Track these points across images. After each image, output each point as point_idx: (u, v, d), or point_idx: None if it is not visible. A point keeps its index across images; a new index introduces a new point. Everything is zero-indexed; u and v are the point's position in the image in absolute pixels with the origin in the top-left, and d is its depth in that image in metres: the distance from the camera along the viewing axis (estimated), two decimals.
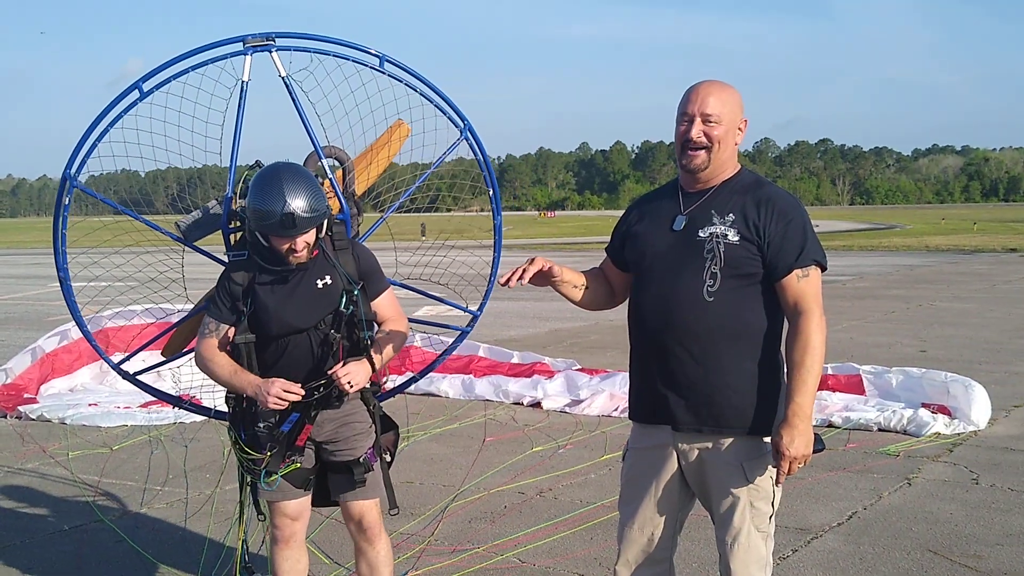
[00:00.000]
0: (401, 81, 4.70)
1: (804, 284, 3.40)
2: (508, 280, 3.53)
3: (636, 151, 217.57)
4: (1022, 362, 12.07)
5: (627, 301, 3.73)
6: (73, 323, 10.34)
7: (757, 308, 3.45)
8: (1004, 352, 12.90)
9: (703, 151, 3.46)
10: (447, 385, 10.21)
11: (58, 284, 4.66)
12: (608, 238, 3.87)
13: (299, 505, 4.10)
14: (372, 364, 3.91)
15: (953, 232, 52.78)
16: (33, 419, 9.38)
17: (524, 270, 3.53)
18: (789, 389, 3.39)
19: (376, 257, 4.14)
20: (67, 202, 4.51)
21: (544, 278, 3.62)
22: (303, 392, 3.82)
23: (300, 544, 4.16)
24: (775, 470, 3.46)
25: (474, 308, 5.22)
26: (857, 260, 32.63)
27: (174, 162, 4.57)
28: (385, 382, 4.16)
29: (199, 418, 8.88)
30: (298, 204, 3.72)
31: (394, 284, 4.36)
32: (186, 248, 4.58)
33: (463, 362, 10.34)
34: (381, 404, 4.24)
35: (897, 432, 8.34)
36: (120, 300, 5.16)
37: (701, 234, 3.45)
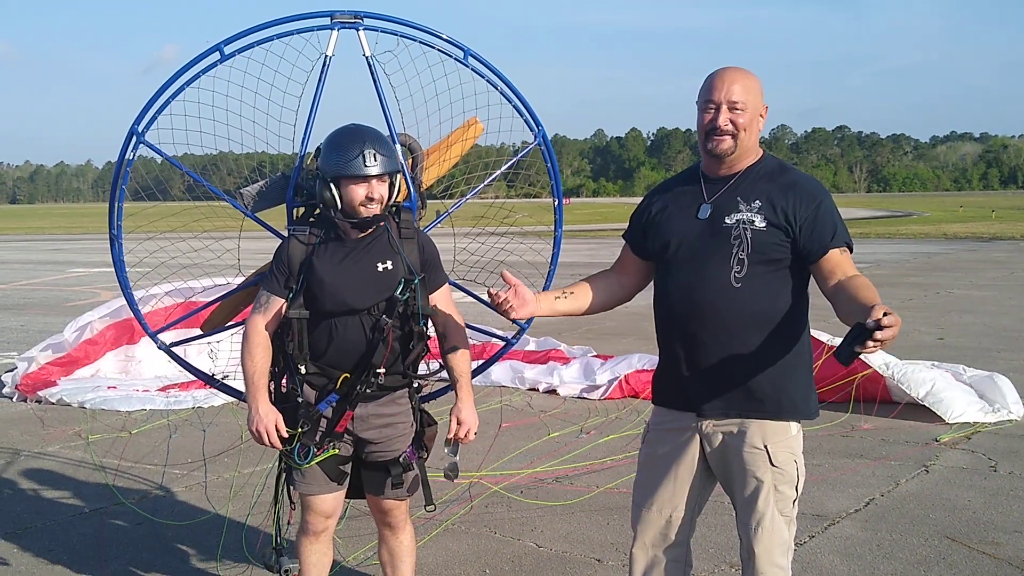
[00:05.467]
0: (483, 77, 4.67)
1: (845, 256, 3.38)
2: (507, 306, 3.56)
3: (652, 138, 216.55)
4: None
5: (652, 290, 3.72)
6: (96, 314, 10.50)
7: (784, 294, 3.44)
8: (1023, 340, 12.83)
9: (730, 137, 3.45)
10: None
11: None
12: (625, 225, 3.86)
13: (334, 501, 4.06)
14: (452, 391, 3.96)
15: (971, 220, 52.40)
16: (53, 403, 9.45)
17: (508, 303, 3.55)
18: (867, 302, 3.02)
19: (438, 250, 4.10)
20: (132, 158, 4.46)
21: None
22: (280, 445, 3.82)
23: (329, 539, 4.14)
24: (799, 456, 3.47)
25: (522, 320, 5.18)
26: (874, 248, 32.46)
27: (247, 128, 4.48)
28: (425, 385, 4.13)
29: (217, 402, 9.03)
30: (375, 147, 3.79)
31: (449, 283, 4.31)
32: (242, 224, 4.55)
33: (478, 349, 10.35)
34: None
35: (919, 401, 8.34)
36: (173, 267, 5.07)
37: (727, 221, 3.44)
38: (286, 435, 3.84)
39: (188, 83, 4.38)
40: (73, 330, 10.53)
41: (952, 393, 8.38)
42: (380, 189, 3.82)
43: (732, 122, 3.44)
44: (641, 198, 3.92)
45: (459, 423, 3.91)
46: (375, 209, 3.82)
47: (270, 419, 3.81)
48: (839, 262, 3.38)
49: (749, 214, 3.42)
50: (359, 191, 3.79)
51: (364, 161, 3.76)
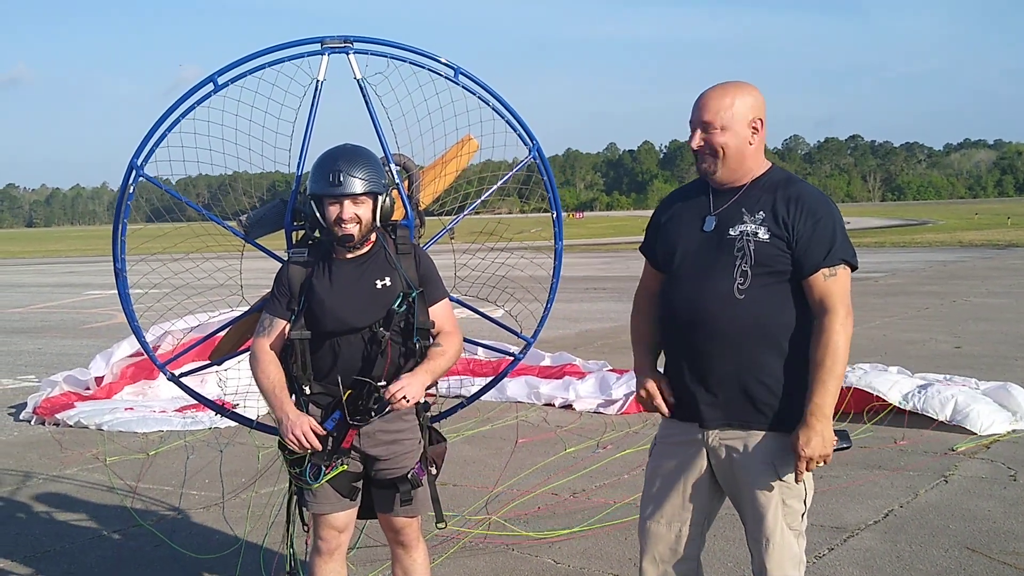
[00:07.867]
0: (474, 94, 4.68)
1: (831, 283, 3.37)
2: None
3: (664, 150, 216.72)
4: None
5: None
6: (118, 356, 10.54)
7: (788, 305, 3.42)
8: None
9: (709, 156, 3.46)
10: (478, 387, 10.20)
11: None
12: (638, 238, 3.87)
13: (346, 518, 4.06)
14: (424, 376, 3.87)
15: (987, 227, 52.16)
16: (71, 425, 9.49)
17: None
18: (809, 388, 3.35)
19: (436, 266, 4.11)
20: (131, 191, 4.49)
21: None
22: (319, 445, 3.82)
23: (342, 557, 4.13)
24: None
25: (528, 334, 5.19)
26: (889, 257, 32.35)
27: (243, 156, 4.53)
28: (434, 402, 4.15)
29: (234, 423, 9.04)
30: (347, 166, 3.81)
31: (451, 299, 4.31)
32: (243, 249, 4.58)
33: (494, 365, 10.36)
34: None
35: (946, 423, 8.22)
36: (176, 306, 5.11)
37: (731, 232, 3.44)
38: (323, 433, 3.84)
39: (184, 115, 4.43)
40: (93, 375, 10.60)
41: (977, 406, 8.27)
42: (354, 209, 3.82)
43: (707, 142, 3.44)
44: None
45: (397, 383, 3.76)
46: (350, 229, 3.83)
47: (303, 421, 3.81)
48: (828, 291, 3.37)
49: (753, 226, 3.41)
50: (332, 211, 3.83)
51: (332, 180, 3.79)
